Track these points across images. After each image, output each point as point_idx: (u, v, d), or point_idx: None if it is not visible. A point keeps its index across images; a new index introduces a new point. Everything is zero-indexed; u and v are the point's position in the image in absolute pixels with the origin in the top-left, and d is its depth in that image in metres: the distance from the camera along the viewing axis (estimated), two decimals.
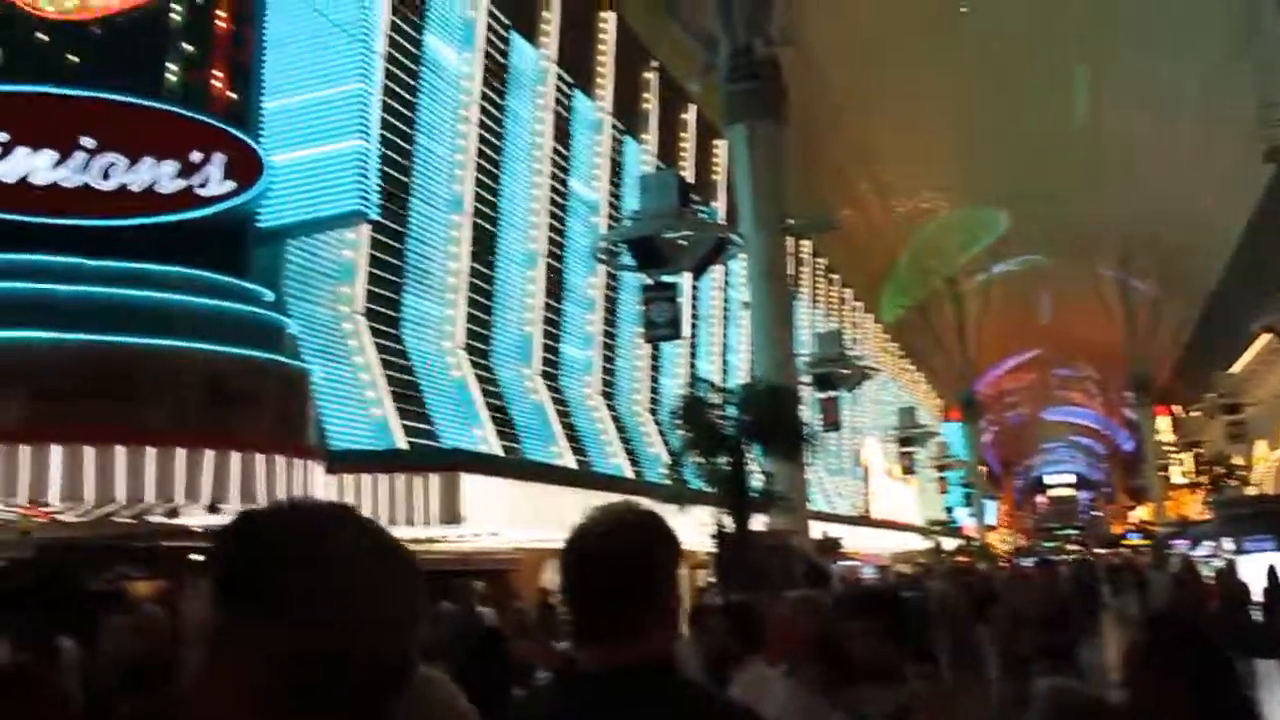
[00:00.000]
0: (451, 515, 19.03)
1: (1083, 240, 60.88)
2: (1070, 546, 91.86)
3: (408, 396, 23.31)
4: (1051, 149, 51.10)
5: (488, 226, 27.85)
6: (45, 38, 19.17)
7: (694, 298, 36.84)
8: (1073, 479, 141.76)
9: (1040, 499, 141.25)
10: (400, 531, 19.82)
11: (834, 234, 41.97)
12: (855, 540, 38.38)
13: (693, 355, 38.77)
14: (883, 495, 58.79)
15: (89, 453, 16.13)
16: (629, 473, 31.28)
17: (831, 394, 34.97)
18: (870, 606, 4.24)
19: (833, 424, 35.41)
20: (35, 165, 17.75)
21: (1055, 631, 11.79)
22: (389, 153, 22.56)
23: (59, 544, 18.45)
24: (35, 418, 16.10)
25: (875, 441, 59.46)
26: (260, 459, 17.16)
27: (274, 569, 1.07)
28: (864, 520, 49.73)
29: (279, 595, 1.06)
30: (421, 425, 23.18)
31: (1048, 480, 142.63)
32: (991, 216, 62.69)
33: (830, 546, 28.26)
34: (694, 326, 37.28)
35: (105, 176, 18.00)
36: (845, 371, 34.93)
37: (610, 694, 2.03)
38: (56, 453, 16.05)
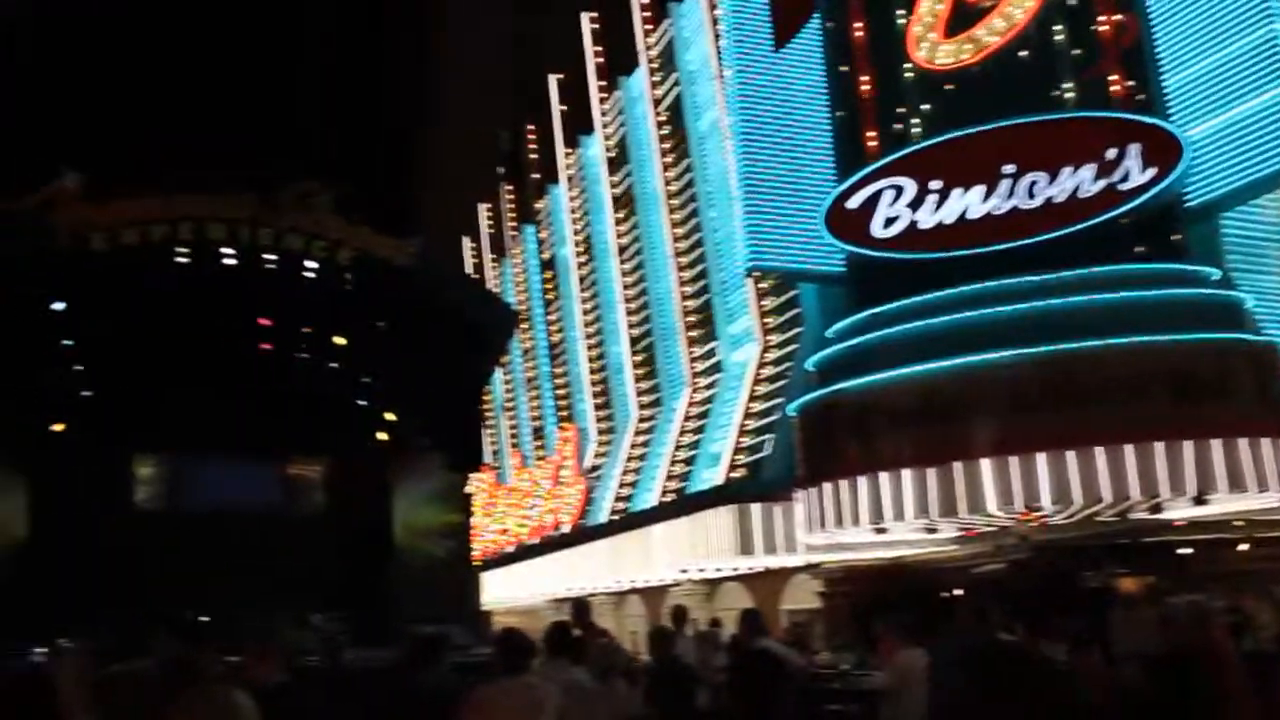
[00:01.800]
0: None
1: None
2: None
3: None
4: None
5: None
6: (944, 86, 20.83)
7: None
8: None
9: None
10: None
11: None
12: None
13: None
14: None
15: (1070, 457, 16.90)
16: None
17: None
18: None
19: None
20: (968, 203, 19.31)
21: None
22: None
23: (1052, 545, 19.54)
24: (1015, 430, 17.33)
25: None
26: (1243, 443, 16.48)
27: None
28: None
29: None
30: None
31: None
32: None
33: None
34: None
35: (1030, 196, 18.91)
36: None
37: None
38: (1040, 460, 17.09)
